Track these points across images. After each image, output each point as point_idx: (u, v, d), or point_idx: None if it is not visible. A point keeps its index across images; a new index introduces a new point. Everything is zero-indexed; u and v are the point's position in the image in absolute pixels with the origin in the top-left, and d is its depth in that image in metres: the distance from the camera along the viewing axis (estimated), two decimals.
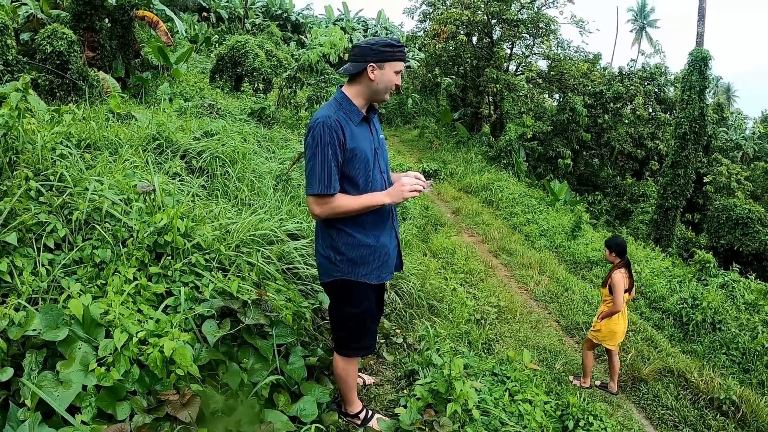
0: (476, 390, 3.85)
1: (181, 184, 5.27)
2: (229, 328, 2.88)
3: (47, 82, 11.60)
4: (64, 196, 3.48)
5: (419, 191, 2.92)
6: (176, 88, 15.95)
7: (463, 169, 20.14)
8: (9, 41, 10.86)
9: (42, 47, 11.69)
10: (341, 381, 3.27)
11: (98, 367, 2.42)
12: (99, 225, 3.34)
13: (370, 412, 3.49)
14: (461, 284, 8.41)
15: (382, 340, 4.87)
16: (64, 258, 3.12)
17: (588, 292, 9.79)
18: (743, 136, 28.41)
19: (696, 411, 6.79)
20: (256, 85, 18.41)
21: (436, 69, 27.00)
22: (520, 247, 12.20)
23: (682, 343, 8.79)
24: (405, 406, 3.59)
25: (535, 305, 9.23)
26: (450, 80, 27.42)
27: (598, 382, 6.80)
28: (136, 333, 2.54)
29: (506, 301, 8.51)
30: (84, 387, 2.36)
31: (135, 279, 3.06)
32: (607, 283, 6.29)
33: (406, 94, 28.42)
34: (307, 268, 4.63)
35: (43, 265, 3.02)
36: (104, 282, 3.09)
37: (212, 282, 3.21)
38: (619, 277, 6.15)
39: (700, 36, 21.08)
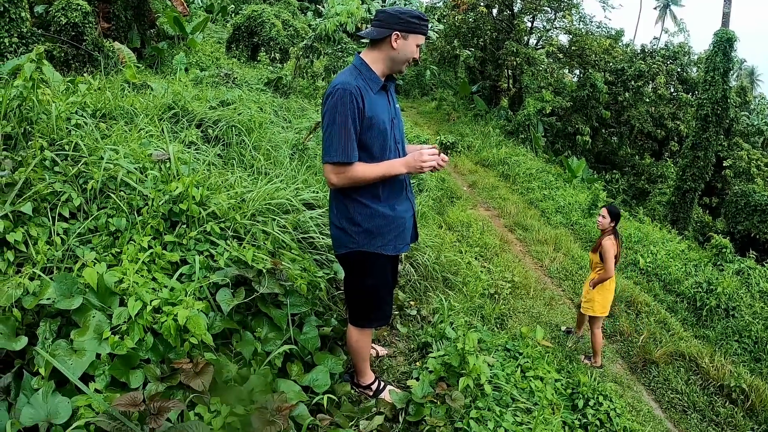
0: (489, 365, 3.84)
1: (197, 153, 5.26)
2: (243, 297, 2.88)
3: (62, 54, 11.57)
4: (79, 166, 3.47)
5: (436, 168, 2.88)
6: (192, 58, 15.88)
7: (480, 142, 19.96)
8: (23, 13, 10.80)
9: (57, 19, 11.63)
10: (354, 352, 3.26)
11: (112, 336, 2.43)
12: (114, 194, 3.34)
13: (382, 384, 3.49)
14: (476, 258, 8.38)
15: (396, 312, 4.87)
16: (79, 227, 3.12)
17: None
18: (765, 122, 27.73)
19: (705, 397, 6.77)
20: (272, 55, 18.27)
21: (455, 41, 26.59)
22: (536, 223, 12.11)
23: (695, 328, 8.72)
24: (417, 379, 3.60)
25: (549, 282, 9.18)
26: (469, 52, 27.03)
27: (583, 358, 6.72)
28: (150, 301, 2.55)
29: (520, 276, 8.46)
30: (98, 355, 2.37)
31: (150, 247, 3.06)
32: (597, 249, 6.29)
33: (425, 66, 28.06)
34: (323, 238, 4.62)
35: (58, 235, 3.03)
36: (119, 251, 3.10)
37: (227, 251, 3.21)
38: (609, 243, 6.15)
39: (725, 16, 20.57)
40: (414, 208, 3.20)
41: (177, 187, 3.23)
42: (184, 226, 3.29)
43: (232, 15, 27.40)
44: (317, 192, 5.64)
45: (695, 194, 19.27)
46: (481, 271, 7.59)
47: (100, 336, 2.41)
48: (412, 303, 5.07)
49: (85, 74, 9.69)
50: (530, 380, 4.44)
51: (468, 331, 3.53)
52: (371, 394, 3.40)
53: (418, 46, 2.93)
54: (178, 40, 17.62)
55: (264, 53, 17.68)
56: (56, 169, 3.42)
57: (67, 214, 3.19)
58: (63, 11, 11.62)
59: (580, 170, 18.12)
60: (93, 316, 2.47)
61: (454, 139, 18.11)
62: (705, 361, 7.23)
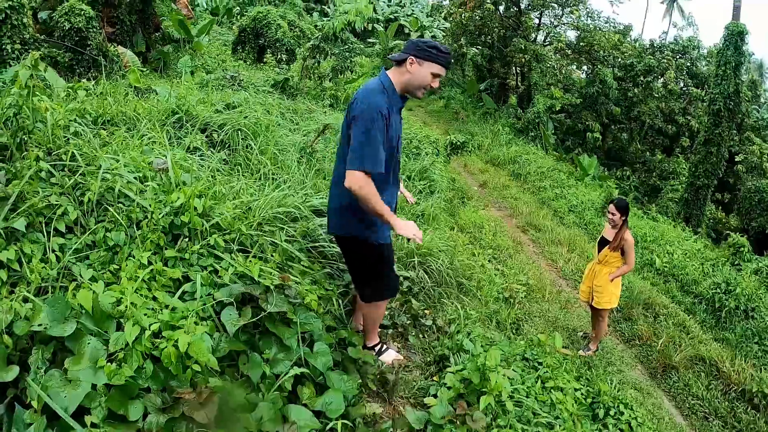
0: (509, 379, 3.65)
1: (201, 159, 5.08)
2: (250, 316, 2.69)
3: (66, 59, 11.46)
4: (76, 177, 3.30)
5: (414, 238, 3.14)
6: (198, 61, 15.74)
7: (489, 141, 19.77)
8: (25, 20, 10.68)
9: (60, 24, 11.51)
10: (369, 319, 3.64)
11: (108, 364, 2.25)
12: (112, 206, 3.16)
13: (384, 346, 3.84)
14: (489, 260, 8.19)
15: (410, 322, 4.68)
16: (76, 242, 2.94)
17: None
18: None
19: (727, 403, 6.58)
20: (279, 56, 18.11)
21: (462, 39, 26.36)
22: (549, 223, 11.91)
23: (714, 330, 8.50)
24: (435, 396, 3.42)
25: (564, 284, 8.98)
26: (476, 50, 26.79)
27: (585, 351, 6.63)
28: (149, 325, 2.36)
29: (535, 279, 8.28)
30: (94, 386, 2.19)
31: (150, 263, 2.88)
32: (619, 245, 6.13)
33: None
34: (333, 247, 4.44)
35: (53, 251, 2.85)
36: (118, 267, 2.92)
37: (232, 265, 3.01)
38: (631, 236, 6.11)
39: (736, 9, 20.15)
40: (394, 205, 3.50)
41: (178, 198, 3.04)
42: (187, 239, 3.09)
43: (238, 17, 27.28)
44: (325, 197, 5.46)
45: (708, 190, 18.90)
46: (495, 275, 7.40)
47: (95, 364, 2.23)
48: (426, 312, 4.87)
49: (89, 79, 9.58)
50: (551, 392, 4.26)
51: (491, 348, 3.33)
52: (374, 353, 3.71)
53: (435, 75, 3.18)
54: (183, 44, 17.48)
55: (270, 55, 17.53)
56: (53, 180, 3.25)
57: (63, 229, 3.01)
58: (66, 16, 11.50)
59: (592, 168, 17.86)
60: (88, 343, 2.29)
61: (464, 139, 17.89)
62: (726, 366, 7.05)
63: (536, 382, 4.27)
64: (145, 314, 2.46)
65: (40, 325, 2.26)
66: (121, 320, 2.47)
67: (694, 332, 7.89)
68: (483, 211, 11.38)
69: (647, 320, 7.88)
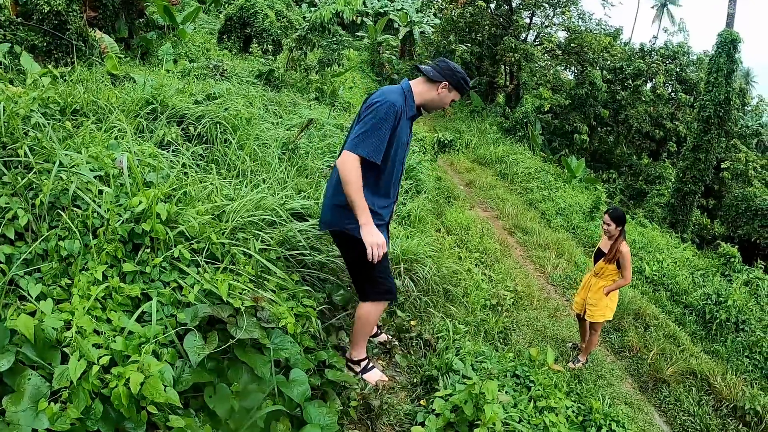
0: (502, 405, 3.36)
1: (175, 155, 4.73)
2: (216, 343, 2.36)
3: (45, 44, 10.96)
4: (29, 175, 2.94)
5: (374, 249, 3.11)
6: (182, 49, 15.27)
7: (477, 139, 19.52)
8: (2, 2, 10.19)
9: (39, 7, 11.01)
10: (359, 323, 3.45)
11: (50, 405, 1.92)
12: (67, 210, 2.81)
13: (371, 364, 3.65)
14: (476, 264, 7.91)
15: (393, 334, 4.39)
16: (26, 251, 2.60)
17: None
18: (760, 123, 27.26)
19: (719, 420, 6.38)
20: (265, 47, 17.67)
21: (452, 36, 26.08)
22: (536, 226, 11.67)
23: (704, 342, 8.30)
24: (423, 424, 3.13)
25: (552, 290, 8.74)
26: (465, 47, 26.47)
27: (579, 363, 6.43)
28: (98, 358, 2.03)
29: (523, 285, 8.02)
30: (34, 430, 1.86)
31: (106, 278, 2.54)
32: (614, 257, 5.85)
33: (420, 60, 27.54)
34: (314, 254, 4.12)
35: (0, 262, 2.50)
36: (71, 281, 2.57)
37: (198, 282, 2.66)
38: (627, 248, 5.83)
39: (730, 17, 20.04)
40: (390, 216, 3.60)
41: (140, 203, 2.69)
42: (149, 250, 2.75)
43: (225, 5, 26.69)
44: (308, 197, 5.13)
45: (695, 197, 18.79)
46: (482, 280, 7.13)
47: (36, 405, 1.90)
48: (412, 324, 4.58)
49: (66, 65, 9.13)
50: (544, 414, 3.99)
51: (486, 380, 3.02)
52: (359, 369, 3.56)
53: (453, 101, 3.42)
54: (168, 31, 16.96)
55: (256, 45, 17.09)
56: (5, 179, 2.90)
57: (12, 236, 2.67)
58: None
59: (580, 170, 17.65)
60: (29, 378, 1.96)
61: (452, 137, 17.63)
62: (717, 380, 6.86)
63: (529, 403, 4.01)
64: (95, 344, 2.13)
65: None
66: (67, 350, 2.14)
67: (685, 344, 7.69)
68: (469, 212, 11.10)
69: (637, 331, 7.67)
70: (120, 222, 2.68)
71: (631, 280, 6.00)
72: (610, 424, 4.85)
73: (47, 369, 2.11)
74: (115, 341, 2.15)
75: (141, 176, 3.23)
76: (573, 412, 4.68)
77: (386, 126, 3.07)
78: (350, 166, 3.01)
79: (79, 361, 1.98)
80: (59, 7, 11.10)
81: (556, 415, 4.17)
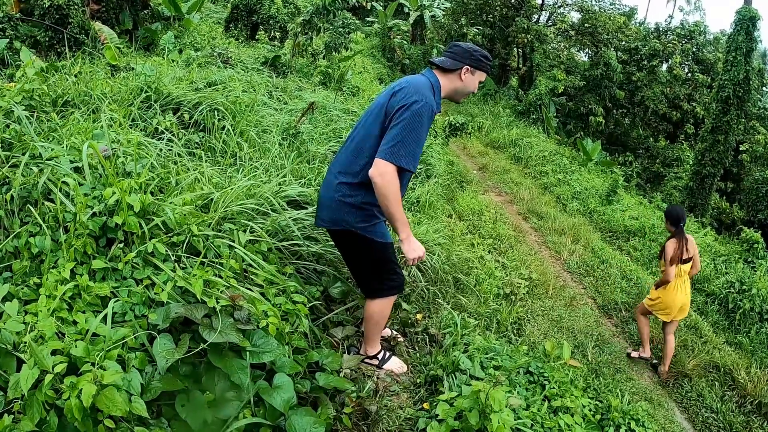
0: (513, 410, 3.11)
1: (169, 143, 4.52)
2: (186, 348, 2.12)
3: (47, 39, 10.86)
4: (4, 169, 2.75)
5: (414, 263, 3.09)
6: (187, 39, 15.06)
7: (490, 122, 19.16)
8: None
9: (40, 2, 10.90)
10: (372, 321, 3.31)
11: (3, 417, 1.72)
12: (38, 205, 2.61)
13: (387, 354, 3.56)
14: (489, 251, 7.65)
15: (398, 328, 4.16)
16: None
17: (626, 267, 8.94)
18: None
19: (743, 417, 6.06)
20: (272, 34, 17.43)
21: (463, 18, 25.62)
22: (552, 210, 11.35)
23: (727, 333, 7.93)
24: (425, 431, 2.90)
25: (568, 278, 8.45)
26: (476, 30, 26.00)
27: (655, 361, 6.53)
28: (53, 366, 1.82)
29: (538, 272, 7.73)
30: None
31: (74, 276, 2.33)
32: (661, 253, 6.21)
33: (431, 45, 27.08)
34: (310, 245, 3.88)
35: None
36: (40, 281, 2.38)
37: (171, 279, 2.43)
38: (668, 245, 6.05)
39: None
40: None
41: (113, 194, 2.48)
42: (122, 245, 2.54)
43: None
44: (309, 184, 4.89)
45: (714, 180, 18.20)
46: (495, 267, 6.86)
47: None
48: (418, 317, 4.34)
49: (70, 59, 8.99)
50: (559, 415, 3.73)
51: (493, 389, 2.76)
52: (377, 363, 3.47)
53: (480, 82, 3.21)
54: (173, 21, 16.76)
55: (263, 32, 16.85)
56: None
57: None
58: None
59: (596, 153, 17.22)
60: None
61: (464, 120, 17.29)
62: (741, 375, 6.52)
63: (543, 403, 3.76)
64: (55, 349, 1.92)
65: None
66: (24, 356, 1.94)
67: (707, 335, 7.36)
68: (482, 196, 10.81)
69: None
70: (90, 215, 2.46)
71: (670, 278, 6.01)
72: (629, 423, 4.54)
73: (2, 377, 1.92)
74: (75, 346, 1.94)
75: (120, 166, 3.02)
76: (590, 410, 4.42)
77: (424, 131, 2.88)
78: (390, 178, 2.79)
79: (32, 369, 1.78)
80: (60, 1, 10.99)
81: (572, 415, 3.93)
